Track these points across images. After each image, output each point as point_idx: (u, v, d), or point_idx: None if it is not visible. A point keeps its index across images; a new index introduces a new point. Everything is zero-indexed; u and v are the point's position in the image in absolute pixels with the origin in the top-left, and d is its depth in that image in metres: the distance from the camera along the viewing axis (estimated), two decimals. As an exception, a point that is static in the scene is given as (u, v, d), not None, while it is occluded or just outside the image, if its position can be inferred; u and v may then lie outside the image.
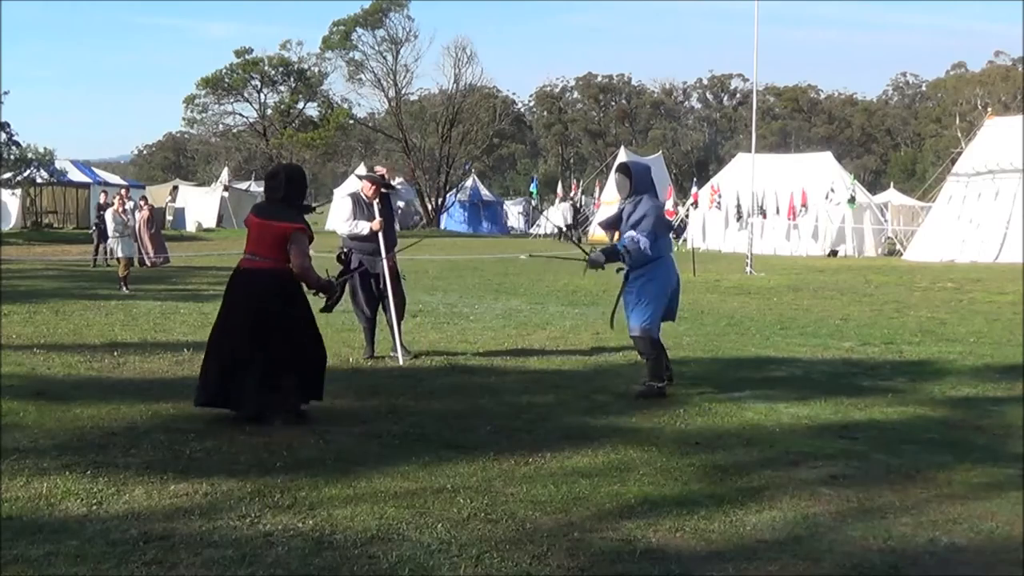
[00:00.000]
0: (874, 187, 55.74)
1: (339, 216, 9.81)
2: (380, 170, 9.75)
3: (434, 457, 5.73)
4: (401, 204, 10.33)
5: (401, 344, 9.35)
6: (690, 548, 4.33)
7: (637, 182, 7.85)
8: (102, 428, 6.37)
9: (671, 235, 9.35)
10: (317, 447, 5.97)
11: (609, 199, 46.24)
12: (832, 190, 33.90)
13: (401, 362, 9.11)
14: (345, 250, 9.05)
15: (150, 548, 4.20)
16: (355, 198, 9.63)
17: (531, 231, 51.07)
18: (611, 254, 7.79)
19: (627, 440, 6.20)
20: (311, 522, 4.57)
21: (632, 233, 7.60)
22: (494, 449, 5.93)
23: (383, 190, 9.56)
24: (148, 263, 22.70)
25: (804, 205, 33.71)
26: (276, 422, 6.46)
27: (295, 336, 6.72)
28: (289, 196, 6.84)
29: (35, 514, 4.63)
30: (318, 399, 6.91)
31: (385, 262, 9.41)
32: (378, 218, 9.43)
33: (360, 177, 10.21)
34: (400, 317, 9.59)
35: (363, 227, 9.44)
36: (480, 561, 4.12)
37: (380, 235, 9.40)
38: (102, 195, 28.69)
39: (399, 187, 10.06)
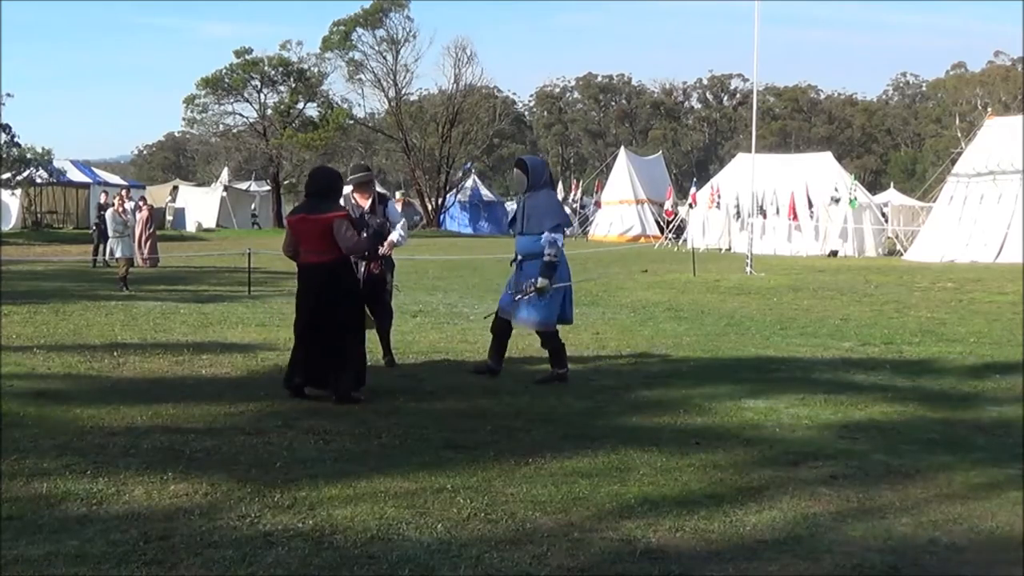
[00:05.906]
0: (874, 187, 55.75)
1: None
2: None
3: (434, 457, 5.73)
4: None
5: (384, 348, 9.29)
6: (690, 548, 4.33)
7: (533, 176, 8.27)
8: (102, 428, 6.37)
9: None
10: (317, 447, 5.97)
11: (609, 199, 46.35)
12: (836, 190, 33.90)
13: (381, 361, 9.11)
14: None
15: (150, 548, 4.19)
16: (344, 201, 9.54)
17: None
18: (548, 270, 8.09)
19: (627, 440, 6.20)
20: (311, 522, 4.56)
21: (547, 236, 8.03)
22: (494, 449, 5.93)
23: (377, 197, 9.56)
24: (139, 262, 22.80)
25: (810, 207, 33.68)
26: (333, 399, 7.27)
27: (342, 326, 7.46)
28: (324, 190, 7.63)
29: (35, 514, 4.63)
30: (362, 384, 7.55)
31: (361, 269, 9.34)
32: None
33: (347, 182, 10.16)
34: (382, 324, 9.48)
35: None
36: (480, 561, 4.12)
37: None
38: (102, 195, 28.72)
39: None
